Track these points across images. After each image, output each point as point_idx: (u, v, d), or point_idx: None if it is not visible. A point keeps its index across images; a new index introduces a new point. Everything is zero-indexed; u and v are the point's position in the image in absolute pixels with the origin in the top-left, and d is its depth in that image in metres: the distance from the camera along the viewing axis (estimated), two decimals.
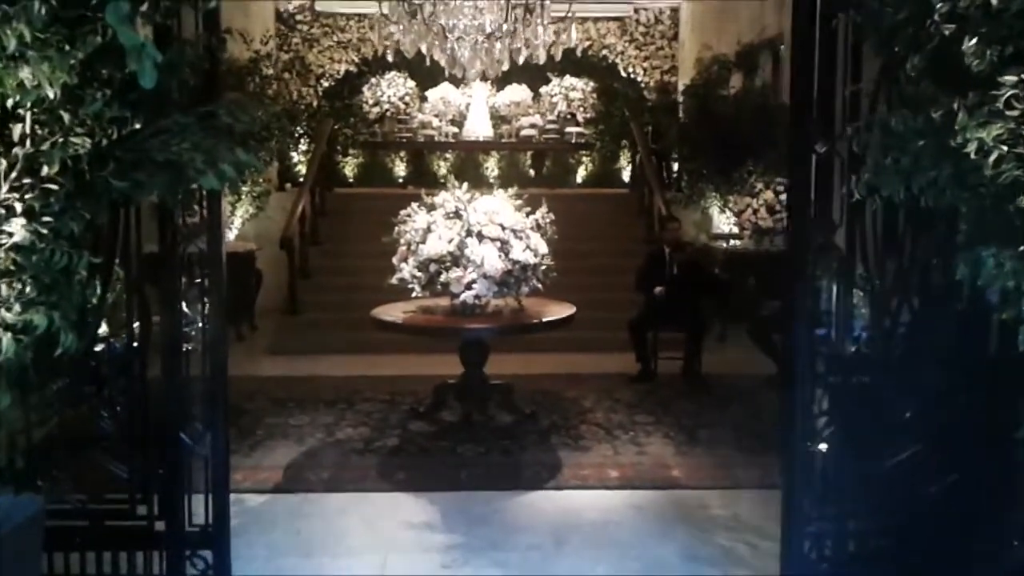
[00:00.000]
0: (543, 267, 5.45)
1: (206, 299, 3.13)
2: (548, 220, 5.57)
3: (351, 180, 12.72)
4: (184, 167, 2.49)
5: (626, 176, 12.66)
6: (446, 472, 4.80)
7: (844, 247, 3.13)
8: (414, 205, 5.54)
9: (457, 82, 13.10)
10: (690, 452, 5.15)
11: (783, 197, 8.58)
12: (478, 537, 3.92)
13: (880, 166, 2.53)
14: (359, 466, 4.91)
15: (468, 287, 5.25)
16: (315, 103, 12.28)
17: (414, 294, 5.44)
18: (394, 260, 5.52)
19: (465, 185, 5.53)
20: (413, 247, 5.40)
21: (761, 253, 8.62)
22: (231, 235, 9.56)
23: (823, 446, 3.15)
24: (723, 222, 9.87)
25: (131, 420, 3.05)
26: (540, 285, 5.46)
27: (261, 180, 9.87)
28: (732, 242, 9.14)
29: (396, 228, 5.55)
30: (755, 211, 8.76)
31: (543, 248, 5.47)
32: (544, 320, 5.39)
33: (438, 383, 5.91)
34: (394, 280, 5.44)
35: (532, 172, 12.82)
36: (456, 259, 5.25)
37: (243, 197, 9.69)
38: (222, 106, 2.73)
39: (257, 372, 7.30)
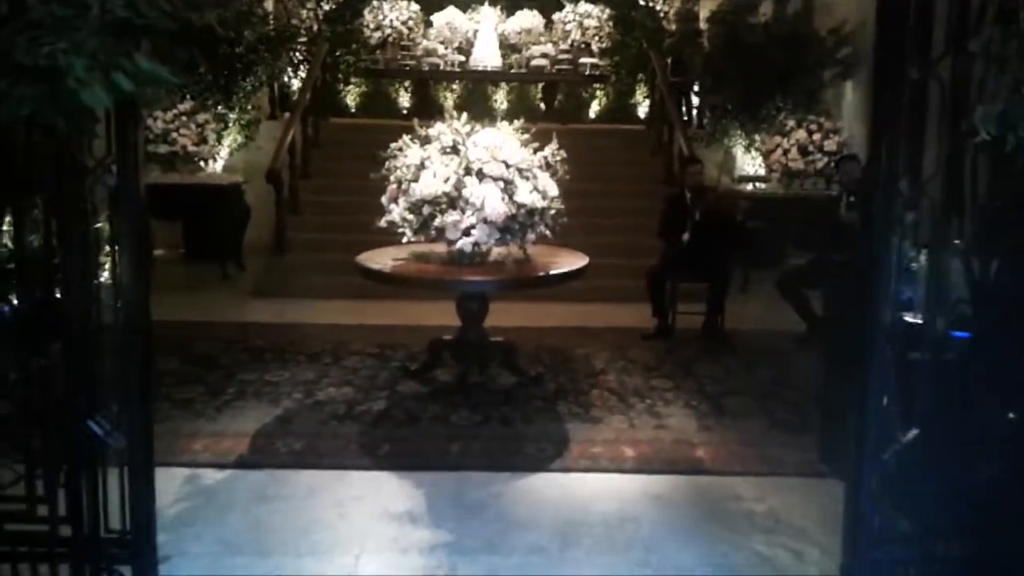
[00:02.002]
0: (552, 212, 4.76)
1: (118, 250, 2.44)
2: (558, 158, 4.87)
3: (353, 110, 11.96)
4: (61, 75, 1.81)
5: (642, 112, 11.87)
6: (437, 446, 4.17)
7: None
8: (406, 137, 4.83)
9: (464, 6, 12.30)
10: (715, 427, 4.52)
11: (816, 137, 7.87)
12: (470, 534, 3.31)
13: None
14: (338, 435, 4.29)
15: (466, 233, 4.57)
16: (315, 27, 11.48)
17: (405, 239, 4.77)
18: (383, 200, 4.84)
19: (464, 116, 4.81)
20: (404, 186, 4.71)
21: (792, 198, 7.92)
22: (218, 167, 8.90)
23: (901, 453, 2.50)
24: (748, 163, 9.14)
25: (27, 400, 2.41)
26: (548, 232, 4.78)
27: (250, 107, 9.17)
28: (759, 185, 8.41)
29: (385, 163, 4.86)
30: (785, 152, 8.03)
31: (552, 190, 4.77)
32: (552, 273, 4.72)
33: (432, 339, 5.28)
34: (382, 223, 4.75)
35: (543, 105, 12.02)
36: (453, 201, 4.56)
37: (230, 125, 9.02)
38: None
39: (237, 317, 6.70)
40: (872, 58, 2.55)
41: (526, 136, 4.80)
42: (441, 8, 12.23)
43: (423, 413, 4.62)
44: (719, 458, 4.10)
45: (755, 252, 7.24)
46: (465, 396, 4.84)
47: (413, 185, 4.65)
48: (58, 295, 2.42)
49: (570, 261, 4.94)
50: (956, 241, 2.42)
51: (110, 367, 2.47)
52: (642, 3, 12.06)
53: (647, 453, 4.12)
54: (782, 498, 3.67)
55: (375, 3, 11.89)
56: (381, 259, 4.89)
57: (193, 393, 4.86)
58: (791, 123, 8.13)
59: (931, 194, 2.36)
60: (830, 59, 8.85)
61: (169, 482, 3.66)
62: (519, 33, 12.09)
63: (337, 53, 11.38)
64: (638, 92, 11.94)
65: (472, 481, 3.78)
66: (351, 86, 11.95)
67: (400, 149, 4.83)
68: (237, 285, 7.93)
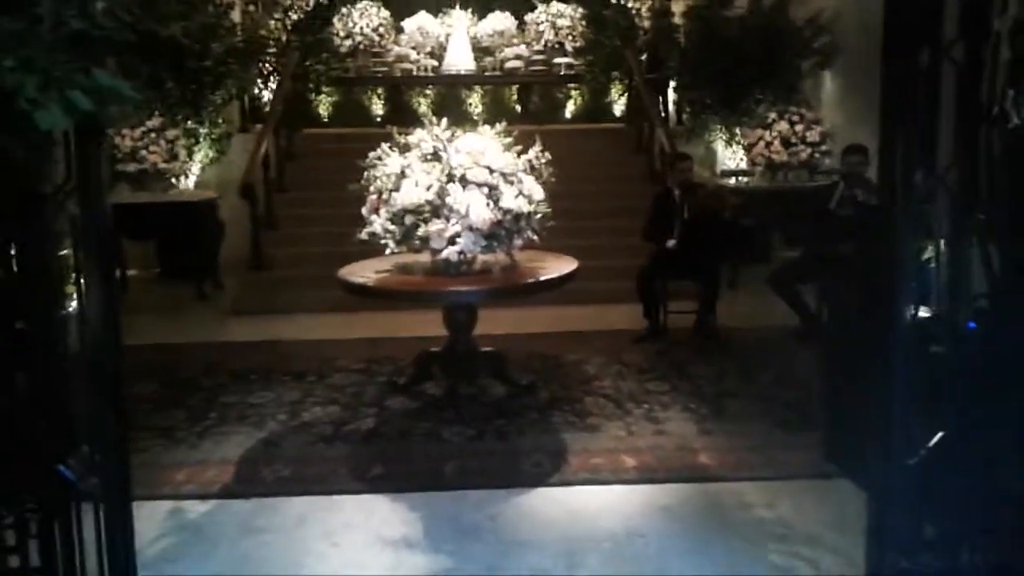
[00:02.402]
0: (539, 216, 4.62)
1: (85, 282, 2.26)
2: (543, 160, 4.73)
3: (326, 119, 11.75)
4: (11, 96, 1.64)
5: (618, 110, 11.76)
6: (430, 465, 4.01)
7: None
8: (385, 146, 4.67)
9: (435, 10, 12.16)
10: (716, 430, 4.38)
11: (799, 128, 7.76)
12: (469, 558, 3.16)
13: None
14: (326, 458, 4.12)
15: (451, 242, 4.41)
16: (283, 37, 11.27)
17: (388, 251, 4.60)
18: (363, 211, 4.67)
19: (444, 121, 4.66)
20: (385, 195, 4.55)
21: (777, 191, 7.80)
22: (190, 183, 8.69)
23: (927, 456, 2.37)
24: (729, 157, 9.04)
25: None
26: (535, 237, 4.63)
27: (220, 120, 8.96)
28: (742, 179, 8.30)
29: (364, 173, 4.69)
30: (768, 144, 7.91)
31: (538, 193, 4.63)
32: (541, 279, 4.56)
33: (420, 352, 5.12)
34: (363, 235, 4.59)
35: (518, 107, 11.88)
36: (436, 209, 4.41)
37: (201, 140, 8.80)
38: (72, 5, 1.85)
39: (217, 337, 6.50)
40: (882, 41, 2.41)
41: (508, 139, 4.66)
42: (412, 13, 12.09)
43: (414, 430, 4.46)
44: (723, 463, 3.96)
45: (744, 247, 7.14)
46: (456, 410, 4.68)
47: (394, 194, 4.49)
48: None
49: (559, 266, 4.80)
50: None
51: (81, 404, 2.29)
52: (614, 1, 11.93)
53: (649, 462, 3.98)
54: (791, 502, 3.54)
55: (344, 11, 11.71)
56: (364, 272, 4.73)
57: (174, 420, 4.67)
58: (772, 115, 8.01)
59: (948, 184, 2.23)
60: (808, 49, 8.76)
61: (151, 517, 3.50)
62: (491, 36, 11.98)
63: (307, 63, 11.18)
64: (613, 90, 11.82)
65: (469, 501, 3.63)
66: (323, 95, 11.75)
67: (379, 158, 4.67)
68: (215, 304, 7.72)
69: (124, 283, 8.55)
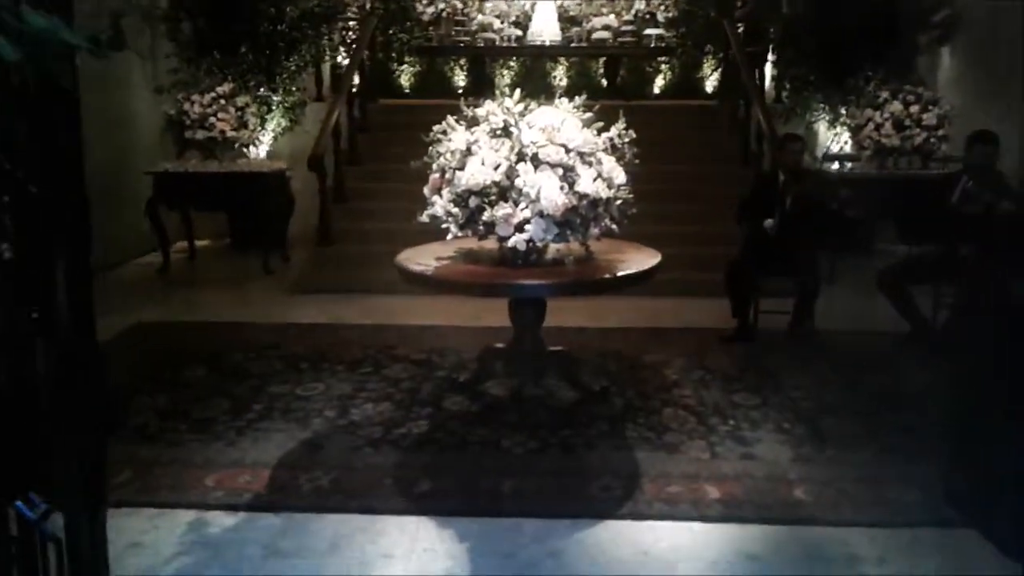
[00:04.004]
0: (619, 202, 4.08)
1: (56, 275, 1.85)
2: (626, 139, 4.19)
3: (407, 91, 11.35)
4: None
5: (709, 86, 11.05)
6: (485, 483, 3.55)
7: None
8: (450, 119, 4.20)
9: None
10: (815, 456, 3.81)
11: (914, 109, 7.00)
12: None
13: None
14: (371, 467, 3.70)
15: (519, 229, 3.92)
16: (367, 4, 10.88)
17: (449, 236, 4.14)
18: (425, 191, 4.22)
19: (518, 93, 4.15)
20: (448, 174, 4.09)
21: (887, 179, 7.09)
22: (261, 152, 8.40)
23: None
24: (832, 140, 8.31)
25: None
26: (614, 226, 4.11)
27: (295, 88, 8.63)
28: (847, 165, 7.59)
29: (429, 149, 4.24)
30: (878, 127, 7.17)
31: (620, 177, 4.09)
32: (619, 274, 4.04)
33: (483, 348, 4.67)
34: (423, 217, 4.14)
35: (604, 81, 11.25)
36: (504, 191, 3.92)
37: (274, 108, 8.50)
38: None
39: (275, 318, 6.17)
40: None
41: (589, 115, 4.13)
42: None
43: (470, 437, 4.01)
44: (824, 500, 3.40)
45: (846, 239, 6.47)
46: (519, 415, 4.22)
47: (458, 174, 4.01)
48: None
49: (639, 259, 4.27)
50: None
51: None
52: None
53: (735, 494, 3.44)
54: (907, 557, 2.99)
55: None
56: (424, 259, 4.28)
57: (215, 411, 4.33)
58: (884, 94, 7.26)
59: None
60: (925, 22, 7.97)
61: (171, 529, 3.16)
62: (579, 4, 11.34)
63: (390, 31, 10.78)
64: (705, 65, 11.11)
65: (526, 532, 3.16)
66: (404, 65, 11.34)
67: (444, 132, 4.20)
68: (280, 279, 7.43)
69: (192, 253, 8.37)
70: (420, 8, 11.15)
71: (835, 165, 7.69)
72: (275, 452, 3.84)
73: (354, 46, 9.42)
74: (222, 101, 7.70)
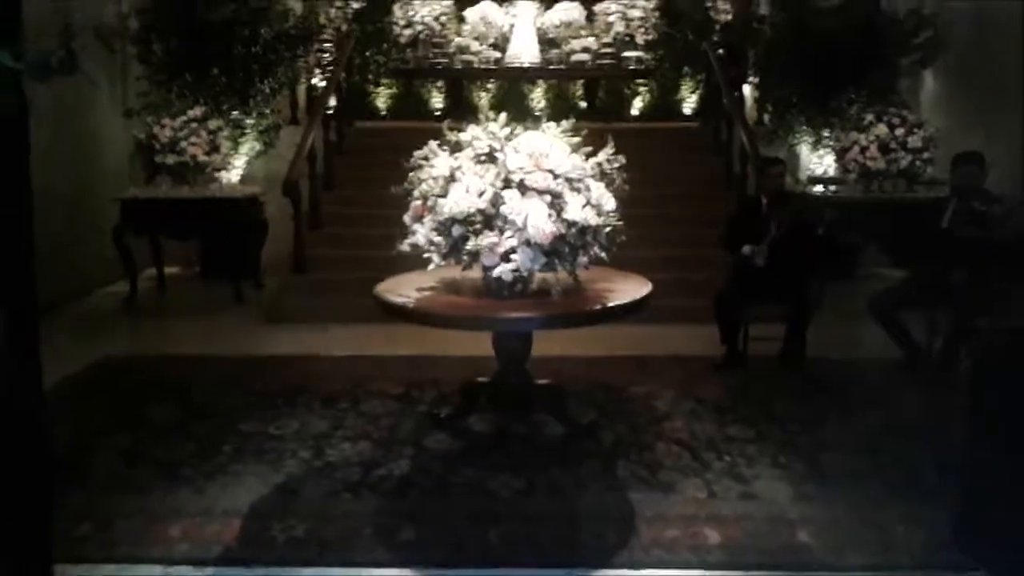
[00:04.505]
0: (608, 229, 3.91)
1: None
2: (615, 164, 4.03)
3: (383, 113, 11.17)
4: None
5: (688, 108, 10.98)
6: (470, 531, 3.33)
7: None
8: (432, 144, 4.02)
9: (500, 0, 11.50)
10: (816, 495, 3.64)
11: (899, 132, 6.91)
12: None
13: None
14: (349, 515, 3.47)
15: (505, 258, 3.74)
16: (343, 26, 10.71)
17: (431, 266, 3.95)
18: (405, 218, 4.03)
19: (503, 116, 3.98)
20: (430, 202, 3.90)
21: (874, 202, 6.98)
22: (234, 177, 8.18)
23: None
24: (815, 162, 8.23)
25: None
26: (603, 254, 3.93)
27: (269, 111, 8.43)
28: (831, 188, 7.48)
29: (409, 174, 4.05)
30: (863, 149, 7.07)
31: (609, 203, 3.93)
32: (609, 305, 3.87)
33: (465, 383, 4.47)
34: (404, 246, 3.95)
35: (583, 103, 11.15)
36: (489, 219, 3.74)
37: (247, 131, 8.29)
38: None
39: (247, 350, 5.94)
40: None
41: (576, 139, 3.96)
42: (475, 2, 11.42)
43: (454, 479, 3.80)
44: (829, 544, 3.22)
45: (833, 264, 6.34)
46: (505, 453, 4.03)
47: (441, 201, 3.83)
48: None
49: (630, 288, 4.10)
50: None
51: None
52: None
53: (737, 538, 3.25)
54: None
55: None
56: (404, 289, 4.09)
57: (183, 453, 4.09)
58: (869, 117, 7.17)
59: None
60: (908, 45, 7.92)
61: None
62: (558, 27, 11.22)
63: (367, 53, 10.62)
64: (684, 87, 11.03)
65: None
66: (381, 88, 11.17)
67: (426, 158, 4.02)
68: (252, 308, 7.20)
69: (162, 282, 8.11)
70: (397, 30, 11.00)
71: (819, 188, 7.58)
72: (246, 498, 3.61)
73: (330, 68, 9.25)
74: (194, 125, 7.47)
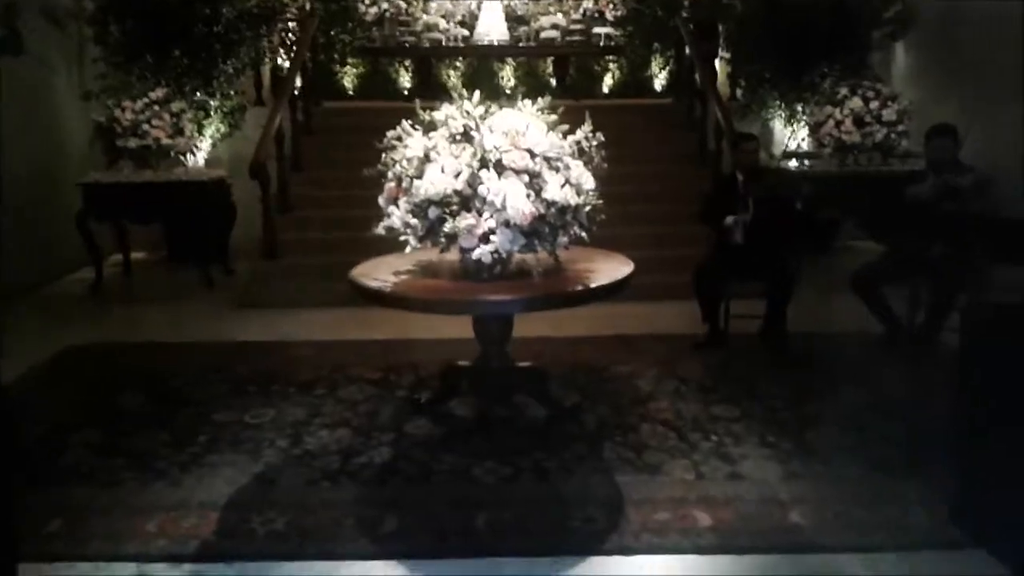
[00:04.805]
0: (588, 208, 3.82)
1: None
2: (594, 142, 3.94)
3: (351, 93, 10.98)
4: None
5: (658, 84, 10.90)
6: (456, 518, 3.25)
7: None
8: (406, 123, 3.89)
9: None
10: (804, 473, 3.60)
11: (873, 105, 6.88)
12: None
13: None
14: (330, 504, 3.38)
15: (484, 240, 3.64)
16: (307, 5, 10.48)
17: (408, 248, 3.84)
18: (380, 200, 3.91)
19: (477, 95, 3.86)
20: (405, 183, 3.79)
21: (849, 175, 6.96)
22: (199, 160, 7.99)
23: None
24: (789, 137, 8.20)
25: None
26: (583, 233, 3.85)
27: (233, 92, 8.24)
28: (806, 162, 7.45)
29: (383, 155, 3.93)
30: (838, 123, 7.04)
31: (588, 182, 3.84)
32: (592, 286, 3.78)
33: (446, 366, 4.39)
34: (380, 229, 3.83)
35: (553, 81, 11.03)
36: (466, 200, 3.63)
37: (212, 113, 8.09)
38: None
39: (218, 335, 5.81)
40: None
41: (553, 118, 3.86)
42: None
43: (437, 465, 3.71)
44: (821, 523, 3.18)
45: (811, 239, 6.32)
46: (488, 438, 3.94)
47: (416, 182, 3.72)
48: None
49: (611, 268, 4.02)
50: None
51: None
52: None
53: (728, 520, 3.20)
54: None
55: None
56: (380, 273, 3.97)
57: (154, 443, 3.97)
58: (843, 91, 7.14)
59: None
60: (879, 18, 7.89)
61: None
62: (527, 3, 11.11)
63: (332, 32, 10.41)
64: (654, 63, 10.95)
65: (505, 572, 2.89)
66: (347, 67, 10.97)
67: (399, 139, 3.90)
68: (222, 293, 7.05)
69: (128, 268, 7.93)
70: (363, 8, 10.81)
71: (794, 163, 7.55)
72: (224, 490, 3.50)
73: (294, 48, 9.06)
74: (156, 107, 7.26)
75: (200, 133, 7.96)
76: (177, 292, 7.13)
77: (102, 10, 7.73)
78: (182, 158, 7.59)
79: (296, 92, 8.33)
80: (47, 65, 7.62)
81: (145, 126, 7.17)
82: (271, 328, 5.95)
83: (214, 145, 8.29)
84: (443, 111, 3.83)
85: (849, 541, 3.06)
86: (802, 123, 7.90)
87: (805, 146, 7.86)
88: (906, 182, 5.38)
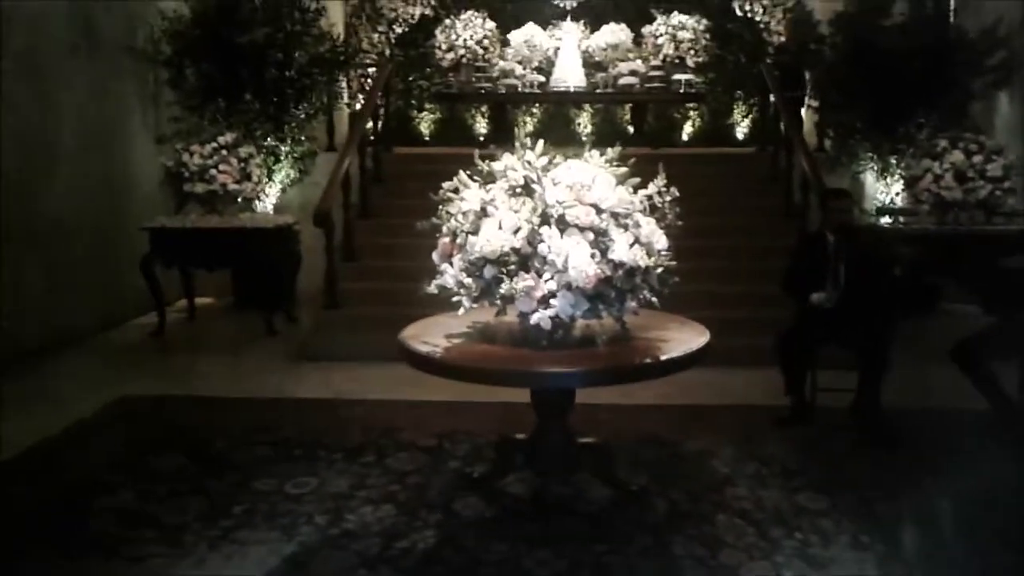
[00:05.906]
0: (660, 270, 3.45)
1: None
2: (668, 198, 3.58)
3: (427, 138, 10.87)
4: None
5: (740, 133, 10.50)
6: None
7: None
8: (462, 174, 3.60)
9: (544, 22, 11.17)
10: None
11: (976, 159, 6.36)
12: None
13: None
14: None
15: (544, 303, 3.30)
16: (387, 51, 10.46)
17: (462, 310, 3.52)
18: (433, 256, 3.61)
19: (540, 144, 3.54)
20: (460, 239, 3.49)
21: (950, 235, 6.41)
22: (268, 206, 7.90)
23: None
24: (881, 191, 7.69)
25: None
26: (654, 298, 3.47)
27: (304, 138, 8.15)
28: (901, 219, 6.93)
29: (438, 208, 3.64)
30: (937, 178, 6.52)
31: (660, 241, 3.48)
32: (663, 359, 3.40)
33: (500, 439, 4.03)
34: (432, 288, 3.53)
35: (631, 129, 10.72)
36: (525, 260, 3.31)
37: (282, 159, 8.00)
38: None
39: (272, 391, 5.58)
40: None
41: (624, 169, 3.52)
42: (519, 25, 11.10)
43: (485, 554, 3.34)
44: None
45: (909, 303, 5.79)
46: (544, 523, 3.56)
47: (471, 238, 3.41)
48: None
49: (685, 337, 3.63)
50: None
51: None
52: (740, 14, 10.66)
53: None
54: None
55: (448, 22, 10.82)
56: (432, 336, 3.66)
57: (187, 514, 3.70)
58: (943, 143, 6.62)
59: None
60: (981, 66, 7.37)
61: None
62: (605, 49, 10.86)
63: (410, 78, 10.35)
64: (736, 111, 10.56)
65: None
66: (424, 113, 10.88)
67: (455, 190, 3.61)
68: (283, 342, 6.86)
69: (192, 313, 7.83)
70: (440, 54, 10.73)
71: (887, 219, 7.04)
72: (251, 572, 3.20)
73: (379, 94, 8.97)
74: (224, 152, 7.18)
75: (269, 178, 7.87)
76: (238, 340, 6.97)
77: (178, 53, 7.75)
78: (250, 204, 7.50)
79: (370, 137, 8.19)
80: (127, 109, 7.68)
81: (212, 171, 7.09)
82: (325, 384, 5.71)
83: (284, 191, 8.20)
84: (503, 161, 3.53)
85: None
86: (896, 177, 7.39)
87: (899, 201, 7.34)
88: (1008, 243, 4.87)
